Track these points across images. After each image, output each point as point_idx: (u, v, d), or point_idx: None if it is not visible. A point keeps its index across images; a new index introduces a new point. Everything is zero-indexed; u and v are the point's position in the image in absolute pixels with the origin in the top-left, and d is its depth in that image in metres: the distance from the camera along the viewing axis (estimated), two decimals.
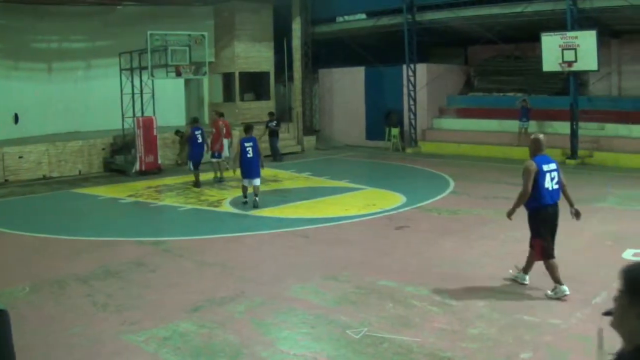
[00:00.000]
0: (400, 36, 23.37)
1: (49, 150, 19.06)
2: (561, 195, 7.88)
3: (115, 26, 22.83)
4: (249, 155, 13.35)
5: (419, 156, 22.36)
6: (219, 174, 17.50)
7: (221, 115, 19.62)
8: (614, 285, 7.18)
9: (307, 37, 26.22)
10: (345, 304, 7.39)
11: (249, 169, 13.41)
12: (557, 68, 19.07)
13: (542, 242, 7.76)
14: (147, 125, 19.41)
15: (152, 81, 19.74)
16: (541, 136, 8.19)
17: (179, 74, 20.20)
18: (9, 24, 20.77)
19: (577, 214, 8.08)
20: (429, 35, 23.78)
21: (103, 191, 16.37)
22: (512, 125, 21.51)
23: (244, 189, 13.75)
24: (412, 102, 23.69)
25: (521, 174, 7.80)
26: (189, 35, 20.01)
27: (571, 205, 8.10)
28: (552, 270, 7.64)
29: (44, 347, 6.33)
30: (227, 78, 25.52)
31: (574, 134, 19.32)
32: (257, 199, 13.38)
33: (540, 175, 7.64)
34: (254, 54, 25.27)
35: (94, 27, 22.78)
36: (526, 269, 8.09)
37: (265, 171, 18.63)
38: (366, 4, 25.12)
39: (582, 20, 18.93)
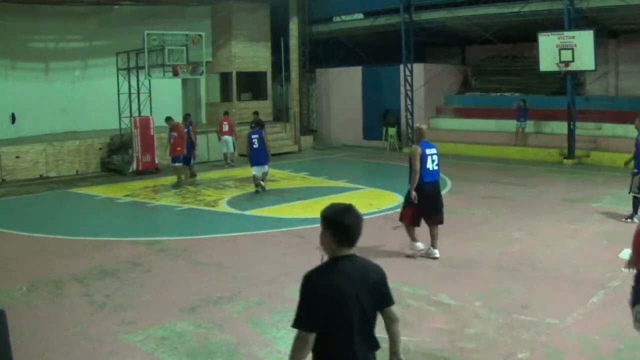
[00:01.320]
0: (397, 36, 23.38)
1: (46, 150, 19.03)
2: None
3: (112, 26, 22.82)
4: (255, 146, 15.03)
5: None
6: (183, 177, 17.05)
7: (226, 113, 19.98)
8: (612, 285, 7.17)
9: (305, 36, 26.24)
10: None
11: (257, 157, 15.04)
12: (555, 68, 19.10)
13: (412, 212, 9.28)
14: (144, 125, 19.39)
15: (149, 81, 19.73)
16: (424, 126, 9.69)
17: (176, 74, 20.19)
18: (5, 24, 20.74)
19: None
20: (426, 35, 23.81)
21: (100, 191, 16.36)
22: (509, 125, 21.53)
23: (255, 178, 15.19)
24: (409, 102, 23.70)
25: (408, 159, 9.28)
26: (186, 35, 20.00)
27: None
28: (410, 232, 9.44)
29: (41, 347, 6.32)
30: (225, 78, 25.51)
31: (571, 134, 19.35)
32: (263, 183, 15.21)
33: (423, 158, 9.06)
34: (251, 54, 25.28)
35: (91, 26, 22.78)
36: (433, 244, 9.32)
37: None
38: (363, 3, 25.13)
39: (579, 20, 18.97)
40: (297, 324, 3.36)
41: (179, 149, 16.89)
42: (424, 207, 9.14)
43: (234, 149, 20.65)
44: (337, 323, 3.34)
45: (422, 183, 9.08)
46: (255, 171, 15.13)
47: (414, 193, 9.09)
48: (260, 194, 15.01)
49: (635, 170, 11.40)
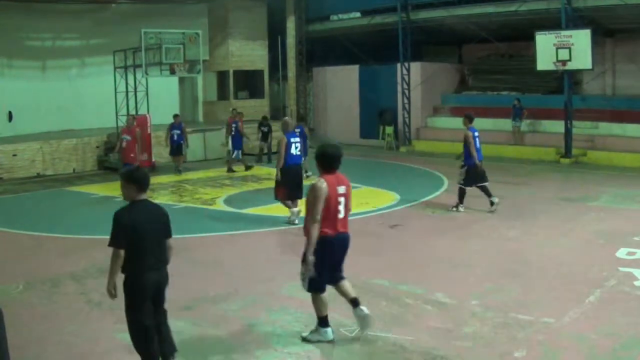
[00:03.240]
0: (394, 35, 23.40)
1: (43, 148, 19.00)
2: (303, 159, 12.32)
3: (109, 24, 22.78)
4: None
5: (413, 155, 22.40)
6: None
7: (234, 111, 20.11)
8: (608, 284, 7.18)
9: (302, 35, 26.23)
10: (338, 302, 7.37)
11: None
12: (551, 67, 19.12)
13: (284, 190, 11.46)
14: (141, 123, 19.33)
15: (146, 79, 19.72)
16: (287, 118, 12.03)
17: (173, 72, 20.19)
18: (2, 22, 20.67)
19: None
20: (423, 33, 23.81)
21: (97, 189, 16.33)
22: (506, 124, 21.55)
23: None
24: (406, 101, 23.72)
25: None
26: (183, 33, 20.00)
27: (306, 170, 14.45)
28: (287, 204, 11.58)
29: (37, 346, 6.31)
30: (222, 76, 25.53)
31: (568, 133, 19.37)
32: (308, 173, 15.77)
33: (288, 145, 11.29)
34: (248, 52, 25.28)
35: (88, 25, 22.74)
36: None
37: (261, 170, 18.66)
38: (360, 2, 25.13)
39: (576, 19, 18.98)
40: (111, 243, 5.23)
41: (132, 155, 15.78)
42: (289, 183, 11.42)
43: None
44: (136, 243, 5.17)
45: (286, 165, 11.31)
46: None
47: (279, 173, 11.31)
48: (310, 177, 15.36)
49: (463, 164, 12.56)
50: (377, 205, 13.30)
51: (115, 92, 20.02)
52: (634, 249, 9.40)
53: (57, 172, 19.10)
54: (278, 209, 13.22)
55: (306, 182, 15.37)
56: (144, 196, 5.35)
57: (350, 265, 9.04)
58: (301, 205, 10.28)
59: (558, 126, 19.91)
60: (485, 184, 12.49)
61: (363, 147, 24.31)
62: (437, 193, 14.75)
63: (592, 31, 18.31)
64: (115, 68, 20.28)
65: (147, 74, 19.41)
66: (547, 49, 18.84)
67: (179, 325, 6.75)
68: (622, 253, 9.25)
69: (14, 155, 18.42)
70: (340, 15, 26.24)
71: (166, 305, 5.65)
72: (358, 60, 25.35)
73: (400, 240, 10.57)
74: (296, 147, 11.44)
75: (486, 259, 9.20)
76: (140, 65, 19.35)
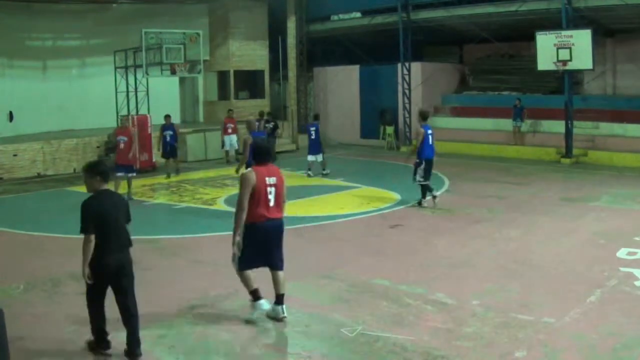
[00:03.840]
0: (395, 35, 23.40)
1: (44, 148, 19.01)
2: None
3: (109, 24, 22.79)
4: (312, 137, 17.45)
5: (414, 155, 22.33)
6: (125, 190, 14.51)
7: (230, 112, 20.35)
8: (609, 283, 7.17)
9: (302, 35, 26.23)
10: (339, 303, 7.40)
11: (313, 147, 17.56)
12: (552, 67, 19.11)
13: None
14: (142, 123, 19.36)
15: (147, 79, 19.73)
16: (252, 119, 13.33)
17: (173, 72, 20.22)
18: (3, 22, 20.69)
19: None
20: (423, 33, 23.82)
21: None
22: (507, 123, 21.54)
23: (309, 164, 17.61)
24: (406, 101, 23.72)
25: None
26: (184, 33, 20.02)
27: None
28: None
29: (38, 345, 6.31)
30: (222, 76, 25.52)
31: (568, 133, 19.36)
32: (325, 170, 17.51)
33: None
34: (248, 52, 25.28)
35: (89, 25, 22.75)
36: None
37: None
38: (361, 2, 25.12)
39: (577, 19, 18.98)
40: (83, 230, 5.74)
41: (130, 155, 14.74)
42: None
43: (238, 146, 20.74)
44: (102, 229, 5.71)
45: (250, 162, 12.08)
46: (310, 158, 17.55)
47: (240, 171, 11.70)
48: (310, 177, 17.20)
49: (417, 161, 12.93)
50: (377, 206, 13.30)
51: (116, 92, 20.03)
52: (634, 249, 9.40)
53: (57, 172, 19.11)
54: None
55: (320, 182, 15.58)
56: (105, 186, 5.99)
57: (351, 265, 9.10)
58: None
59: (559, 126, 19.90)
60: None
61: (363, 147, 24.32)
62: (438, 193, 14.70)
63: (593, 31, 18.29)
64: (115, 68, 20.29)
65: (147, 74, 19.43)
66: (547, 49, 18.83)
67: (179, 325, 6.76)
68: (622, 253, 9.25)
69: (15, 155, 18.43)
70: (341, 15, 26.24)
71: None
72: (359, 61, 25.34)
73: (400, 241, 10.57)
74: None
75: (487, 259, 9.20)
76: (140, 65, 19.36)
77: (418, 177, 12.89)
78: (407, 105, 23.71)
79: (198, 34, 20.35)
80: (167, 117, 18.20)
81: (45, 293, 7.91)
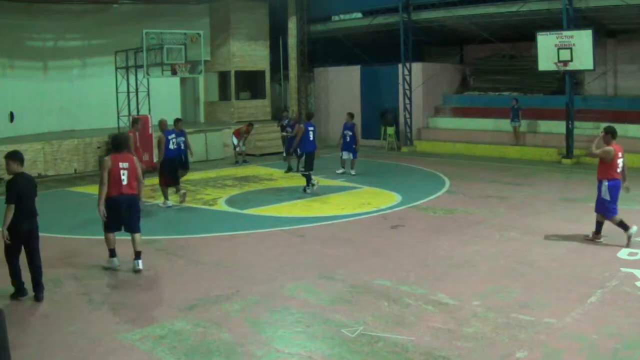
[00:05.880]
0: (396, 35, 23.40)
1: (45, 148, 19.01)
2: (187, 153, 14.33)
3: (110, 24, 22.81)
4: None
5: (415, 155, 22.39)
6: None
7: (250, 125, 20.77)
8: (610, 284, 7.17)
9: (303, 35, 26.24)
10: (340, 303, 7.40)
11: (346, 146, 18.06)
12: (553, 67, 19.09)
13: (164, 178, 13.62)
14: (143, 124, 19.31)
15: (148, 80, 19.72)
16: (164, 119, 14.19)
17: (174, 73, 20.19)
18: (3, 22, 20.70)
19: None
20: (424, 34, 23.82)
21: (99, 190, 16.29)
22: (508, 124, 21.54)
23: (341, 161, 18.33)
24: (407, 101, 23.71)
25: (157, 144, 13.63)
26: (185, 33, 20.00)
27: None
28: (165, 191, 13.75)
29: (39, 346, 6.31)
30: (223, 77, 25.53)
31: (569, 134, 19.34)
32: (352, 171, 17.92)
33: (167, 142, 13.45)
34: (249, 53, 25.30)
35: (90, 25, 22.77)
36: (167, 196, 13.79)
37: (261, 170, 18.69)
38: (362, 3, 25.14)
39: (577, 20, 18.96)
40: (8, 201, 7.39)
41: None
42: (168, 173, 13.56)
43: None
44: (20, 201, 7.46)
45: (166, 158, 13.42)
46: (344, 156, 18.14)
47: (158, 165, 13.58)
48: (345, 175, 17.71)
49: (300, 152, 15.64)
50: (378, 206, 13.30)
51: (117, 93, 20.02)
52: (635, 249, 9.40)
53: (58, 173, 19.12)
54: (279, 210, 13.25)
55: (320, 182, 15.59)
56: (22, 169, 7.68)
57: (352, 265, 9.10)
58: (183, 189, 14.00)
59: (559, 126, 19.89)
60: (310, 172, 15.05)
61: (365, 148, 24.25)
62: (439, 193, 14.74)
63: (594, 31, 18.28)
64: (116, 68, 20.29)
65: (148, 74, 19.41)
66: (548, 50, 18.82)
67: (180, 326, 6.76)
68: (623, 253, 9.25)
69: None
70: (342, 16, 26.25)
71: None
72: (359, 61, 25.33)
73: (401, 241, 10.56)
74: (173, 143, 13.61)
75: (488, 259, 9.20)
76: (141, 66, 19.35)
77: (300, 168, 15.85)
78: (408, 106, 23.70)
79: (199, 35, 20.34)
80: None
81: (46, 293, 7.90)
